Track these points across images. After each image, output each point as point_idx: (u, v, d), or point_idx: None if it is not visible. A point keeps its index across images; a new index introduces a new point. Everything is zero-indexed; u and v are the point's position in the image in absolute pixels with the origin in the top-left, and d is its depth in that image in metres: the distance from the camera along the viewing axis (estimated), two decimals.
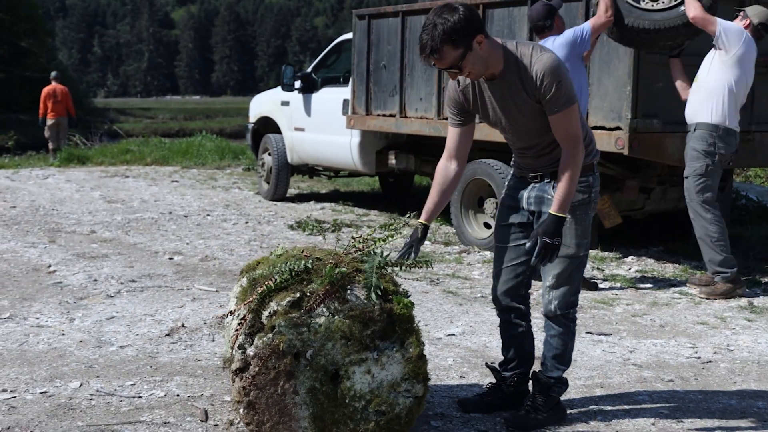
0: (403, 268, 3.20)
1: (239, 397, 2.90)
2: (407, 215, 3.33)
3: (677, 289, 6.14)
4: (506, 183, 3.61)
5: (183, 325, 4.84)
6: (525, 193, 3.47)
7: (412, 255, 3.28)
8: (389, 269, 3.12)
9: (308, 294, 2.88)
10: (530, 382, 3.63)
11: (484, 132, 7.64)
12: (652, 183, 7.20)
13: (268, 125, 10.59)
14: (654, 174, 7.14)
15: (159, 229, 8.20)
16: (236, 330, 2.90)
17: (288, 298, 2.88)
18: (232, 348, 2.95)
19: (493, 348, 4.58)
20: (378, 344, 2.91)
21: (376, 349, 2.91)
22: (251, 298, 2.89)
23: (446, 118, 7.93)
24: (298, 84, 9.92)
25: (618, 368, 4.31)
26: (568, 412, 3.61)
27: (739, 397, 3.96)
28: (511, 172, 3.60)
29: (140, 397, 3.75)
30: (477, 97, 3.35)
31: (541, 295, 3.52)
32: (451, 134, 3.46)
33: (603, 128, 6.43)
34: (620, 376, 4.17)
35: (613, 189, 6.85)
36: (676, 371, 4.30)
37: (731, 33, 5.77)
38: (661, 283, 6.34)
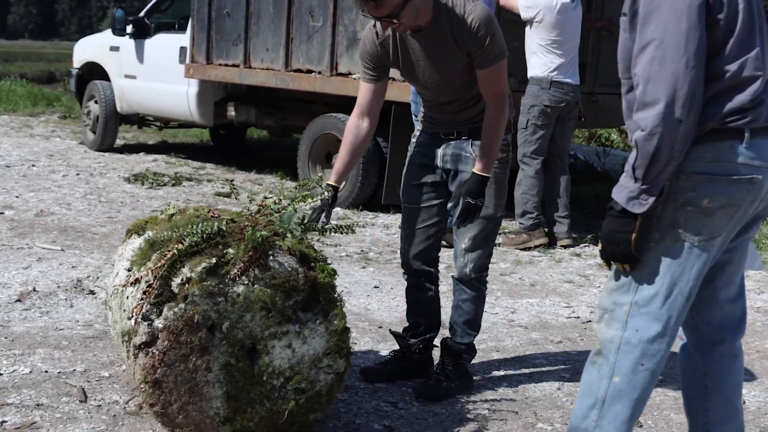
0: (325, 234, 2.94)
1: (144, 375, 2.54)
2: (318, 176, 3.06)
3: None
4: (414, 140, 3.41)
5: (34, 290, 4.32)
6: (440, 151, 3.28)
7: (323, 219, 3.05)
8: (309, 235, 2.85)
9: (225, 260, 2.55)
10: (435, 349, 3.49)
11: (335, 86, 7.40)
12: None
13: (93, 71, 9.80)
14: None
15: None
16: (141, 299, 2.53)
17: (203, 264, 2.54)
18: (133, 319, 2.57)
19: (375, 311, 4.41)
20: (300, 316, 2.64)
21: (299, 321, 2.64)
22: (160, 263, 2.52)
23: (295, 70, 7.68)
24: (129, 29, 9.19)
25: (506, 330, 4.26)
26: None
27: None
28: (420, 128, 3.40)
29: (0, 374, 3.27)
30: (398, 50, 3.13)
31: (453, 257, 3.36)
32: (364, 90, 3.22)
33: None
34: (511, 339, 4.12)
35: None
36: (561, 332, 4.31)
37: (524, 7, 6.06)
38: None
